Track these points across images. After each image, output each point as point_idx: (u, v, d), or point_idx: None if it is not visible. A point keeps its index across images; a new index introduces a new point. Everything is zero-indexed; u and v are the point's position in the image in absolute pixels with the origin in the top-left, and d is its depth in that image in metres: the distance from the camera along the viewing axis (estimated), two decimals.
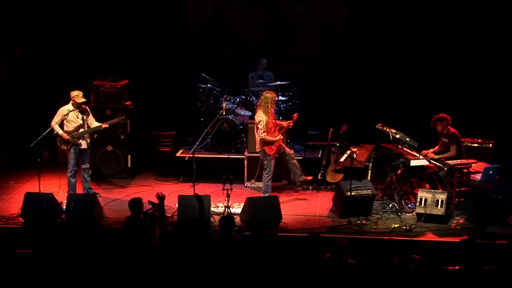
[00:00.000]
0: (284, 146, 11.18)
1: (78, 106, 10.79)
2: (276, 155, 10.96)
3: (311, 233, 7.83)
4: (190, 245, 7.86)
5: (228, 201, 10.10)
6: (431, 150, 10.74)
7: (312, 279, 7.03)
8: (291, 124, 11.09)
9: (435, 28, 13.06)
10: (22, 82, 13.70)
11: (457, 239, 8.96)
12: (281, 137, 11.01)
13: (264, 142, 10.80)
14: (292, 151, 11.29)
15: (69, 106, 10.81)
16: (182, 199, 10.09)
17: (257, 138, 10.94)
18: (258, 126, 10.80)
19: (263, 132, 10.75)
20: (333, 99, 13.56)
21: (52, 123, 10.75)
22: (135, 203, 8.69)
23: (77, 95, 10.75)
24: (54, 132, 10.75)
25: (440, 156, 10.57)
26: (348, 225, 10.04)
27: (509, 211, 9.99)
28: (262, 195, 10.92)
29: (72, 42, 13.58)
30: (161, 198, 8.52)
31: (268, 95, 10.87)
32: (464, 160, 10.51)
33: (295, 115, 11.15)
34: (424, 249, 7.18)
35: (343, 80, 13.48)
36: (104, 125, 10.92)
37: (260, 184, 11.51)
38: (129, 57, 13.46)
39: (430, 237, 9.59)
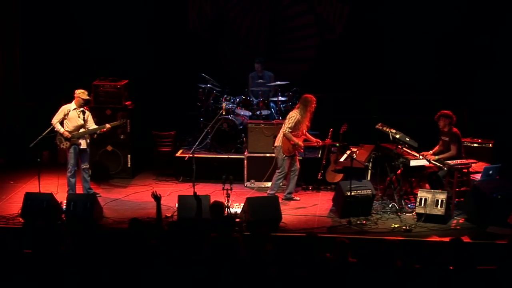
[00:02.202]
0: (297, 159, 11.10)
1: (81, 105, 10.78)
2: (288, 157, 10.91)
3: (308, 233, 7.80)
4: (189, 245, 7.85)
5: (228, 201, 10.10)
6: (431, 151, 10.74)
7: (313, 279, 7.02)
8: (319, 143, 11.04)
9: (435, 28, 13.07)
10: (22, 82, 13.69)
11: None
12: (302, 145, 10.89)
13: (286, 138, 10.77)
14: (299, 167, 11.11)
15: (71, 105, 10.81)
16: (182, 199, 10.08)
17: (280, 132, 10.93)
18: (287, 121, 10.80)
19: (289, 127, 10.75)
20: (333, 99, 13.54)
21: (53, 120, 10.72)
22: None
23: (83, 92, 10.77)
24: (55, 130, 10.73)
25: (440, 156, 10.57)
26: (348, 225, 10.03)
27: (509, 211, 9.98)
28: (268, 192, 10.95)
29: (72, 42, 13.57)
30: (157, 198, 8.44)
31: (307, 97, 10.87)
32: (464, 160, 10.50)
33: (328, 141, 11.10)
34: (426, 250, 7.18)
35: (343, 80, 13.48)
36: (108, 126, 10.93)
37: (260, 184, 11.53)
38: (129, 57, 13.45)
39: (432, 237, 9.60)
